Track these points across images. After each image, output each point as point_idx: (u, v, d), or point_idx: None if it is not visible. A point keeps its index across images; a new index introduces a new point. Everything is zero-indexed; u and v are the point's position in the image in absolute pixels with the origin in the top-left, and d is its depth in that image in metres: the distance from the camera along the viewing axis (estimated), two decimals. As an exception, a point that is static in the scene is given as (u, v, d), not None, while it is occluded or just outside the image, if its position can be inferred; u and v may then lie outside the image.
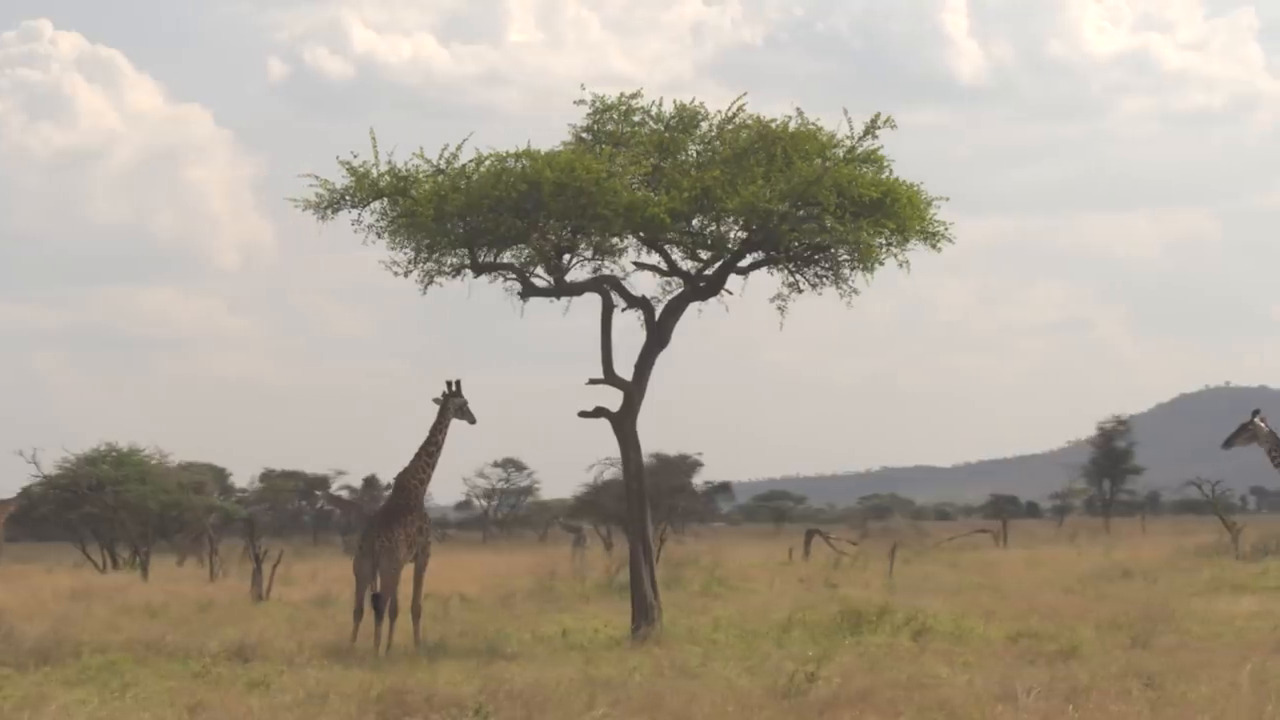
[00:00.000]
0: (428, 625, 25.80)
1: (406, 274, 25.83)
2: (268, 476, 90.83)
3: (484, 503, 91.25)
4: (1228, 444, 25.92)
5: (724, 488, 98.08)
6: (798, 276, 25.91)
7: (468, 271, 26.03)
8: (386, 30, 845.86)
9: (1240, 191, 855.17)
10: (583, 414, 26.46)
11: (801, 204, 24.58)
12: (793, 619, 26.62)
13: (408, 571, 25.38)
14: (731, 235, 25.25)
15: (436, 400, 26.06)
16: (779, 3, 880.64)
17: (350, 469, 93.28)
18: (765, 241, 25.08)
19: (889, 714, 16.49)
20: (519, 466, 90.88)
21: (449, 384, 26.14)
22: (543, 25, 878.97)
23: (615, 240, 25.60)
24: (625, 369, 26.23)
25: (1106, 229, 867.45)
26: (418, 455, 25.82)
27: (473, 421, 26.25)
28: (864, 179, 24.73)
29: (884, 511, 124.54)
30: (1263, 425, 25.29)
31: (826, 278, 25.82)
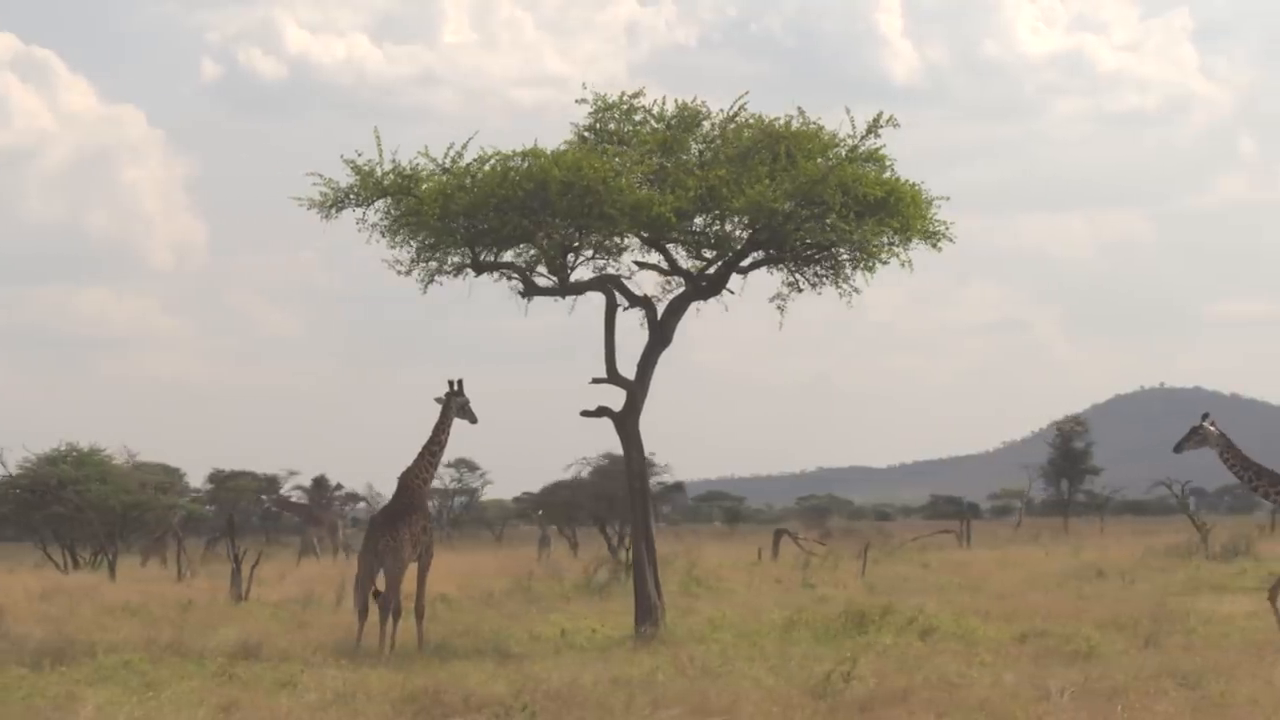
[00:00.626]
0: (426, 626, 25.67)
1: (409, 273, 25.74)
2: (217, 476, 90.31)
3: (434, 503, 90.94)
4: (1179, 448, 25.94)
5: (678, 488, 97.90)
6: (797, 276, 25.91)
7: (469, 271, 25.96)
8: (320, 30, 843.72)
9: (1174, 193, 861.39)
10: (585, 413, 26.44)
11: (806, 203, 24.57)
12: (794, 619, 26.60)
13: (403, 570, 25.26)
14: (736, 234, 25.17)
15: (439, 399, 25.98)
16: (713, 3, 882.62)
17: (302, 469, 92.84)
18: (770, 240, 25.07)
19: (932, 714, 16.52)
20: (471, 467, 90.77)
21: (451, 383, 26.07)
22: (477, 26, 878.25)
23: (620, 240, 25.54)
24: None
25: (1041, 230, 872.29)
26: (421, 454, 25.76)
27: (474, 421, 26.20)
28: (867, 178, 24.74)
29: (823, 512, 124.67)
30: (1213, 428, 25.33)
31: (826, 277, 25.83)
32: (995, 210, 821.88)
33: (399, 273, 25.81)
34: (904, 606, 26.98)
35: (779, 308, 26.06)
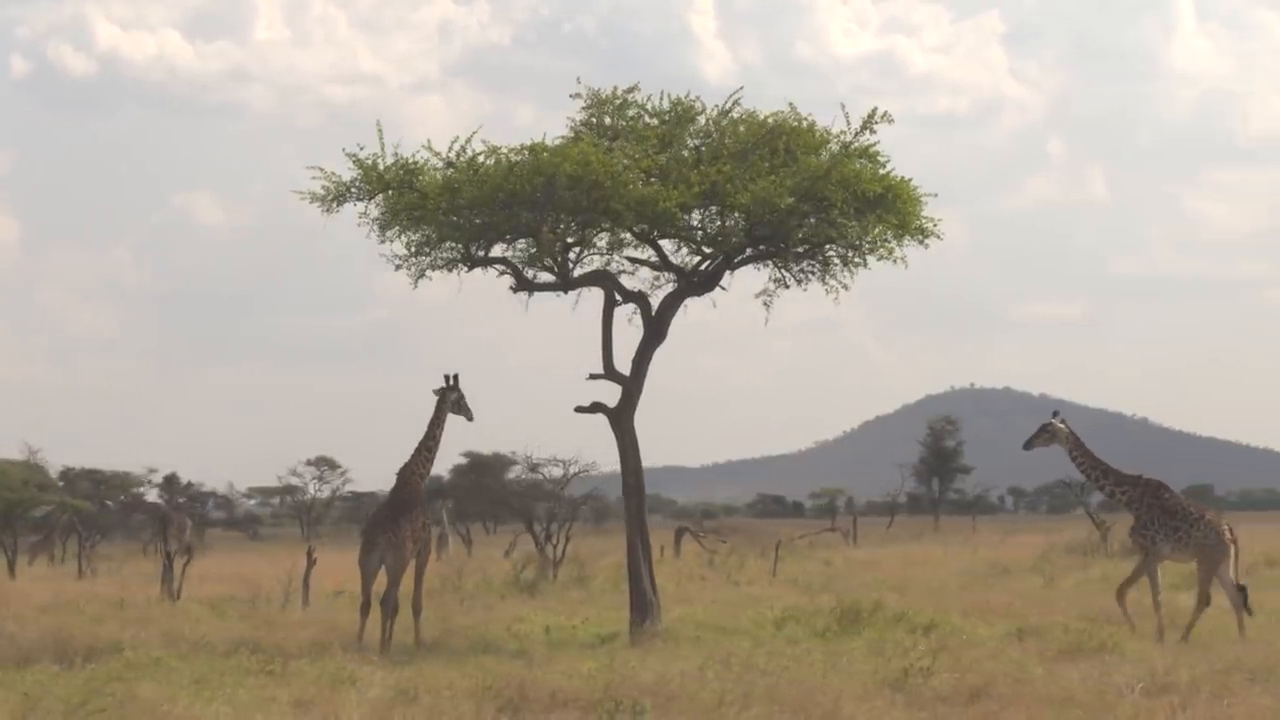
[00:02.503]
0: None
1: (410, 267, 25.64)
2: (67, 475, 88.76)
3: (284, 500, 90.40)
4: (1028, 445, 26.32)
5: (536, 486, 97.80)
6: (785, 272, 26.04)
7: (460, 266, 25.88)
8: (131, 27, 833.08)
9: (985, 195, 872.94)
10: (579, 409, 26.44)
11: (807, 199, 24.71)
12: (784, 616, 26.76)
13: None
14: (736, 230, 25.21)
15: (437, 392, 25.91)
16: (526, 3, 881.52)
17: (159, 467, 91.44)
18: (773, 236, 25.16)
19: (1026, 708, 16.63)
20: (332, 465, 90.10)
21: (447, 379, 25.97)
22: (290, 22, 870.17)
23: (622, 235, 25.57)
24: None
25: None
26: (417, 450, 25.67)
27: (470, 418, 26.10)
28: (866, 174, 24.91)
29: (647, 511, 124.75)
30: (1063, 426, 25.77)
31: (813, 273, 25.99)
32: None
33: (397, 267, 25.69)
34: (888, 604, 27.16)
35: (765, 304, 26.18)
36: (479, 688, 18.26)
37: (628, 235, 25.67)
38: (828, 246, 25.50)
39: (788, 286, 26.18)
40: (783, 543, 48.95)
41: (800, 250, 25.51)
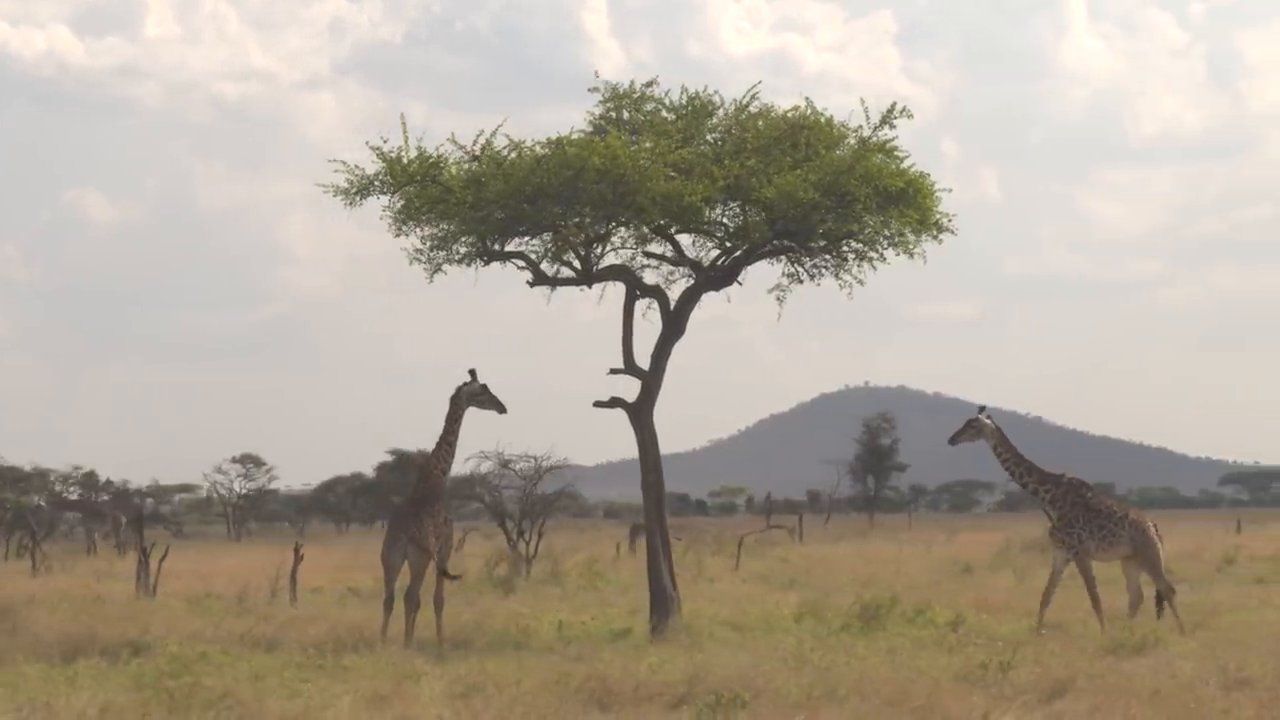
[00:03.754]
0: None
1: (426, 261, 25.50)
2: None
3: (214, 495, 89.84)
4: (954, 440, 26.42)
5: (466, 484, 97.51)
6: (798, 267, 26.06)
7: (476, 260, 25.79)
8: (20, 22, 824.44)
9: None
10: (598, 404, 26.40)
11: (830, 194, 24.72)
12: (801, 612, 26.75)
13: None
14: (759, 225, 25.15)
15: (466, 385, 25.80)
16: (418, 1, 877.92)
17: (83, 464, 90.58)
18: (796, 232, 25.14)
19: (1118, 703, 16.67)
20: (258, 462, 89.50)
21: (472, 373, 25.80)
22: (181, 19, 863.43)
23: (646, 229, 25.52)
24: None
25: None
26: (438, 445, 25.54)
27: (501, 410, 25.87)
28: (887, 169, 24.97)
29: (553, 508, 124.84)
30: (989, 422, 25.96)
31: (827, 268, 26.00)
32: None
33: (411, 261, 25.55)
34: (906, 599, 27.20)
35: (778, 299, 26.20)
36: (550, 682, 18.16)
37: (646, 230, 25.60)
38: (848, 241, 25.48)
39: (801, 281, 26.23)
40: (742, 541, 48.88)
41: (820, 245, 25.48)
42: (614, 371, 26.09)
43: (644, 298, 26.08)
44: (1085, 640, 22.47)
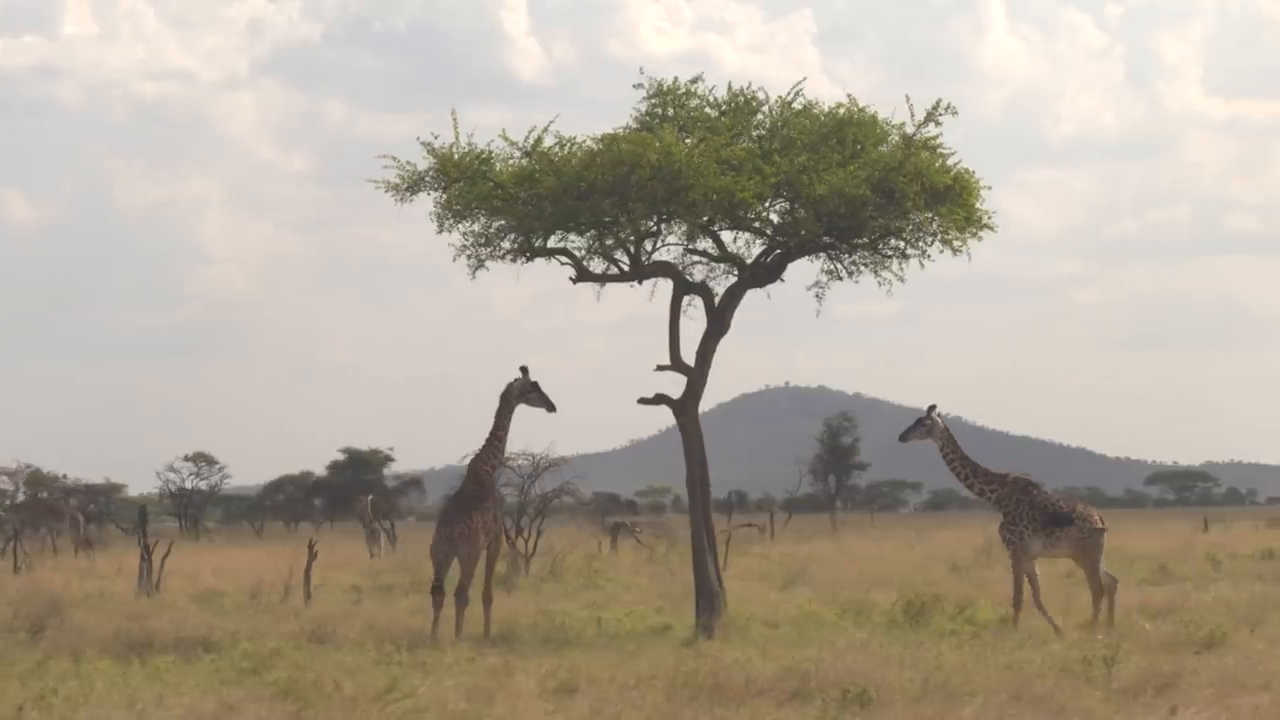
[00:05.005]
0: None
1: (469, 258, 25.49)
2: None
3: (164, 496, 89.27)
4: (904, 438, 26.55)
5: (415, 482, 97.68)
6: (837, 265, 26.12)
7: (521, 257, 25.77)
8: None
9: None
10: (643, 400, 26.40)
11: (879, 191, 24.79)
12: (845, 609, 26.76)
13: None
14: (808, 221, 25.13)
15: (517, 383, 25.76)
16: (336, 1, 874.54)
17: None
18: (848, 229, 25.18)
19: (1244, 695, 16.78)
20: (210, 461, 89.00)
21: (525, 369, 25.75)
22: (98, 18, 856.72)
23: (699, 225, 25.51)
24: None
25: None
26: (487, 442, 25.56)
27: (551, 408, 25.85)
28: (934, 166, 25.06)
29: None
30: (938, 421, 26.15)
31: (867, 264, 26.05)
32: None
33: (454, 258, 25.59)
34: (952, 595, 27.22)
35: (817, 296, 26.23)
36: (645, 677, 18.14)
37: (695, 226, 25.59)
38: (893, 239, 25.55)
39: (840, 279, 26.26)
40: (730, 538, 48.63)
41: (868, 241, 25.53)
42: (660, 368, 26.11)
43: (690, 294, 26.07)
44: (1143, 636, 22.52)
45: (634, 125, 25.65)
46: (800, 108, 25.76)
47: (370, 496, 60.93)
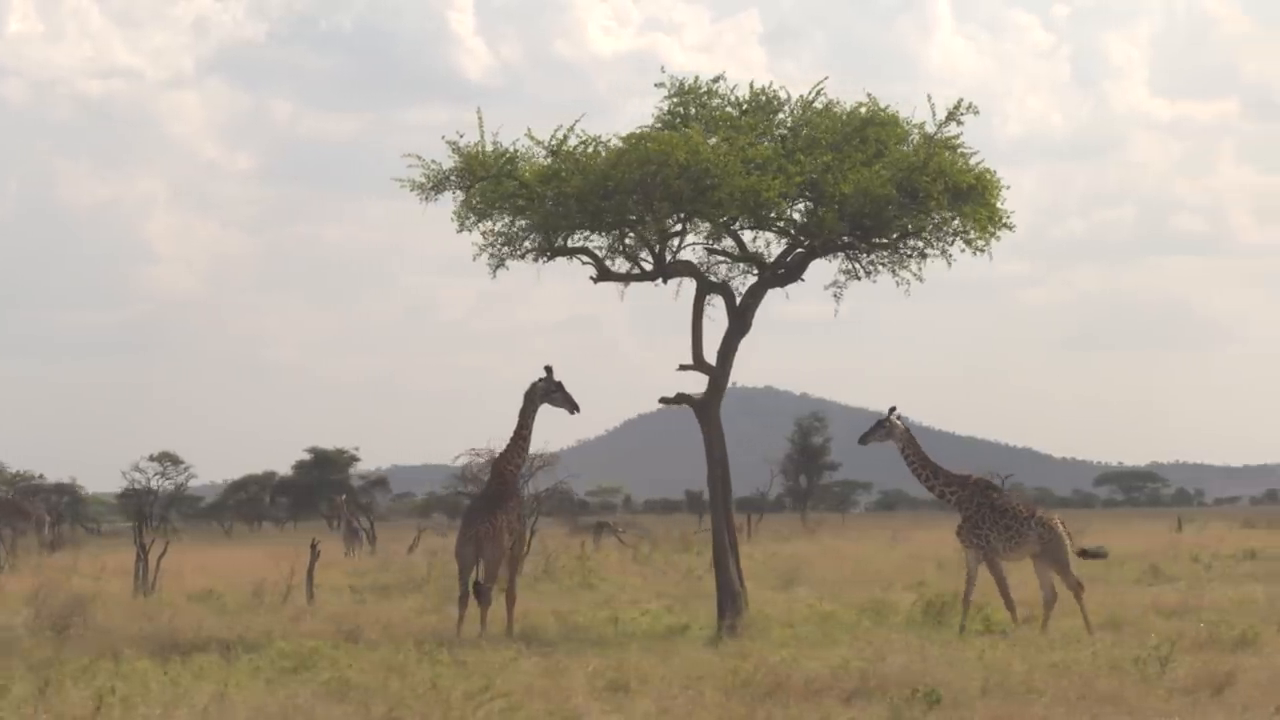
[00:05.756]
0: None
1: (489, 257, 25.47)
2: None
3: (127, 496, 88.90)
4: (864, 440, 26.55)
5: (381, 482, 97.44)
6: (855, 264, 26.14)
7: (542, 256, 25.76)
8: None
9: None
10: (664, 400, 26.45)
11: (903, 190, 24.82)
12: (865, 610, 26.78)
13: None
14: (833, 221, 25.07)
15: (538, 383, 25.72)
16: (282, 0, 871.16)
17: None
18: (872, 228, 25.22)
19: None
20: (175, 460, 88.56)
21: (549, 369, 25.73)
22: (43, 15, 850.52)
23: (719, 225, 25.51)
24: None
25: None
26: (511, 442, 25.54)
27: (574, 409, 25.86)
28: (957, 166, 25.10)
29: (429, 508, 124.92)
30: (899, 424, 26.24)
31: (884, 264, 26.07)
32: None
33: (475, 257, 25.56)
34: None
35: (835, 295, 26.26)
36: (694, 677, 18.13)
37: (719, 226, 25.58)
38: (908, 239, 25.58)
39: (858, 278, 26.26)
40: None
41: (889, 240, 25.55)
42: (683, 368, 26.14)
43: (712, 294, 26.08)
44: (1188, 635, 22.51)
45: (656, 125, 25.58)
46: (821, 107, 25.72)
47: (343, 496, 60.72)
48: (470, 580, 24.62)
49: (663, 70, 26.00)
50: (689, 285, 25.96)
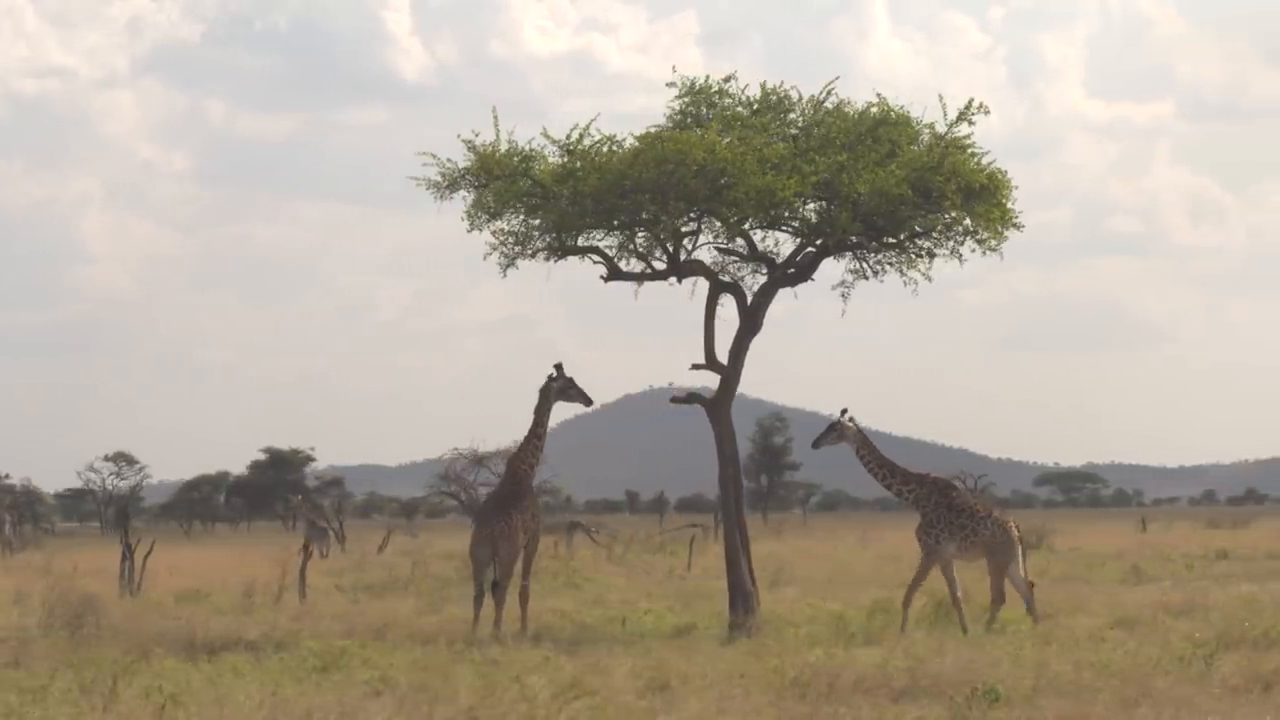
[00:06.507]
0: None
1: (500, 256, 25.45)
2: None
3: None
4: (817, 444, 26.54)
5: (336, 482, 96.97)
6: (863, 264, 26.16)
7: (553, 256, 25.73)
8: None
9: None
10: (675, 400, 26.48)
11: (917, 189, 24.85)
12: (875, 608, 26.76)
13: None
14: (848, 220, 25.02)
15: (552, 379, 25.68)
16: (217, 0, 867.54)
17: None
18: (886, 227, 25.24)
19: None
20: (130, 460, 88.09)
21: (559, 367, 25.69)
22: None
23: (733, 224, 25.46)
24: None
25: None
26: (525, 441, 25.51)
27: (587, 403, 25.87)
28: (969, 165, 25.14)
29: (369, 508, 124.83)
30: (851, 425, 26.31)
31: (892, 264, 26.09)
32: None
33: (485, 256, 25.53)
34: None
35: (843, 295, 26.28)
36: (735, 675, 18.09)
37: (733, 225, 25.54)
38: (915, 239, 25.62)
39: (866, 278, 26.29)
40: (694, 540, 48.61)
41: (899, 240, 25.58)
42: (695, 367, 26.16)
43: (723, 293, 26.07)
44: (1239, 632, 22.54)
45: (668, 125, 25.57)
46: (832, 107, 25.74)
47: (300, 496, 60.52)
48: (486, 579, 24.51)
49: (674, 70, 25.97)
50: (702, 285, 25.89)
